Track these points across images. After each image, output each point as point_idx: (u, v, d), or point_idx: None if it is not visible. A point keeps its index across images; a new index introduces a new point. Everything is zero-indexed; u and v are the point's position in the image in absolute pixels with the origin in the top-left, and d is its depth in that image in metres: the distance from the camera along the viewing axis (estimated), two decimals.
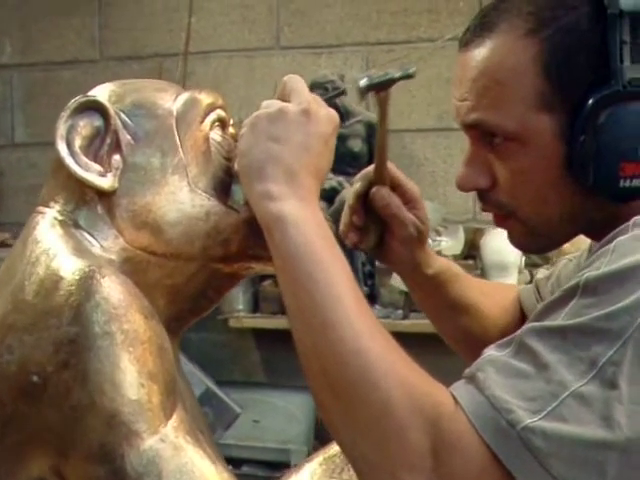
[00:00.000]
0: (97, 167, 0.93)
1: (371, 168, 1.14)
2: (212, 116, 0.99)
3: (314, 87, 2.66)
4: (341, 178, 2.69)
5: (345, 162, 2.64)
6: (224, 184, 0.97)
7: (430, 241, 2.53)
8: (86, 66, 3.12)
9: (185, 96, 0.99)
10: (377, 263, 2.62)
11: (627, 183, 0.92)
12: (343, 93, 1.02)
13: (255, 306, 2.77)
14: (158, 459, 0.79)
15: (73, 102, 0.95)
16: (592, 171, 0.92)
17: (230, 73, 2.94)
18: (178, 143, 0.96)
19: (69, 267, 0.85)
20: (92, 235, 0.93)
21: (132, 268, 0.94)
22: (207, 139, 0.98)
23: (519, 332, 0.86)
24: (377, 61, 2.81)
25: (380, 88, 1.06)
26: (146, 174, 0.95)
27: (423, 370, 0.87)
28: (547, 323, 0.85)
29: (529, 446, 0.78)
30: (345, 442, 0.86)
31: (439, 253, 2.40)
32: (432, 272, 1.19)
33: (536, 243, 1.02)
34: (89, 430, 0.79)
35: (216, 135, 0.99)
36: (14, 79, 3.23)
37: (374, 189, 1.13)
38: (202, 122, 0.98)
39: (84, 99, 0.95)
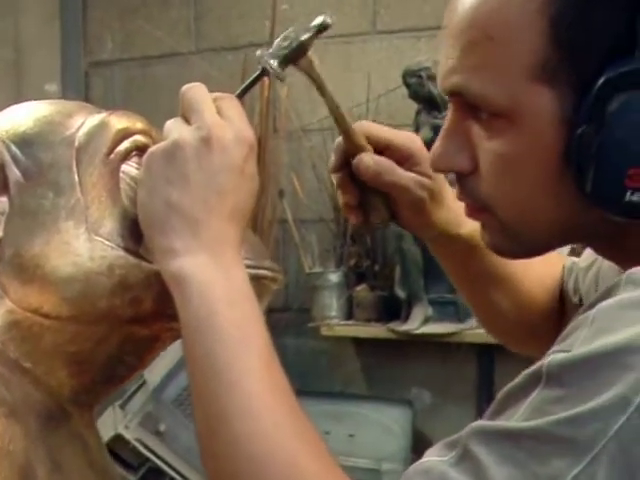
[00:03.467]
0: None
1: (340, 139, 0.92)
2: (126, 144, 0.81)
3: (407, 75, 2.44)
4: None
5: None
6: (136, 229, 0.78)
7: None
8: (182, 59, 3.00)
9: (93, 121, 0.81)
10: None
11: (635, 197, 0.67)
12: (264, 74, 0.81)
13: (349, 312, 2.59)
14: None
15: None
16: (592, 174, 0.67)
17: (325, 61, 2.73)
18: (76, 180, 0.78)
19: None
20: None
21: (21, 334, 0.77)
22: (116, 174, 0.80)
23: (465, 431, 0.65)
24: None
25: (296, 58, 0.85)
26: (35, 219, 0.77)
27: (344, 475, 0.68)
28: (499, 423, 0.63)
29: None
30: None
31: None
32: (465, 232, 0.94)
33: (512, 248, 0.78)
34: None
35: (131, 168, 0.81)
36: (114, 75, 3.16)
37: (354, 161, 0.90)
38: (110, 153, 0.80)
39: None
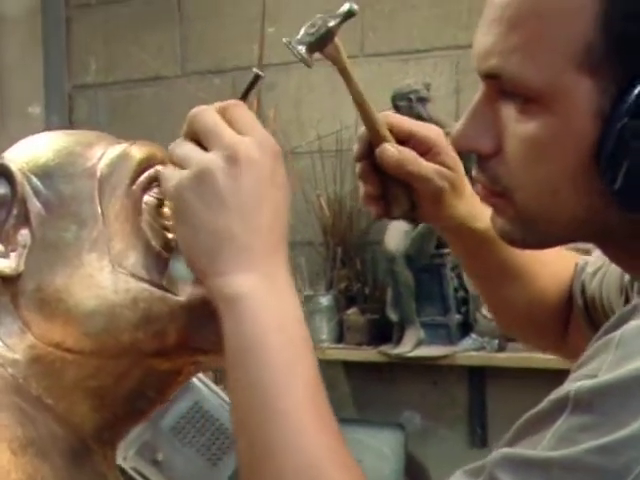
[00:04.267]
0: None
1: (365, 129, 0.94)
2: (147, 175, 0.80)
3: (397, 98, 2.45)
4: None
5: None
6: (159, 260, 0.77)
7: None
8: (168, 82, 2.99)
9: (114, 151, 0.80)
10: (471, 289, 2.37)
11: None
12: (258, 78, 0.81)
13: (340, 336, 2.58)
14: None
15: None
16: (623, 171, 0.66)
17: (313, 84, 2.75)
18: (99, 212, 0.77)
19: None
20: None
21: (43, 369, 0.76)
22: (138, 204, 0.79)
23: (491, 457, 0.64)
24: (469, 65, 2.55)
25: (323, 45, 0.87)
26: (57, 252, 0.76)
27: None
28: (526, 452, 0.62)
29: None
30: None
31: None
32: (482, 226, 0.94)
33: (523, 237, 0.76)
34: None
35: (153, 198, 0.80)
36: (99, 98, 3.14)
37: (378, 150, 0.91)
38: (132, 184, 0.79)
39: None
